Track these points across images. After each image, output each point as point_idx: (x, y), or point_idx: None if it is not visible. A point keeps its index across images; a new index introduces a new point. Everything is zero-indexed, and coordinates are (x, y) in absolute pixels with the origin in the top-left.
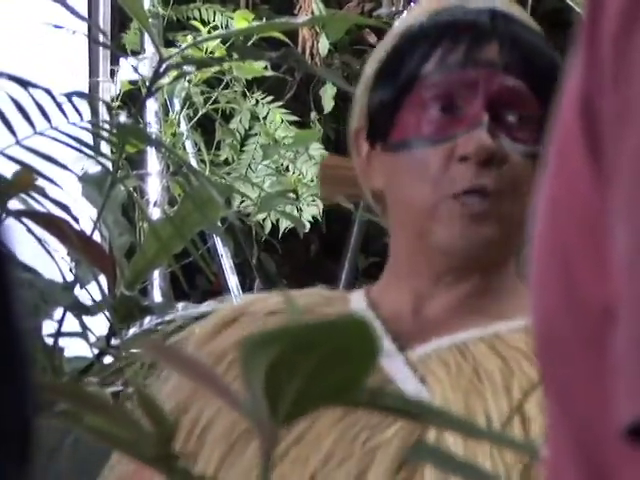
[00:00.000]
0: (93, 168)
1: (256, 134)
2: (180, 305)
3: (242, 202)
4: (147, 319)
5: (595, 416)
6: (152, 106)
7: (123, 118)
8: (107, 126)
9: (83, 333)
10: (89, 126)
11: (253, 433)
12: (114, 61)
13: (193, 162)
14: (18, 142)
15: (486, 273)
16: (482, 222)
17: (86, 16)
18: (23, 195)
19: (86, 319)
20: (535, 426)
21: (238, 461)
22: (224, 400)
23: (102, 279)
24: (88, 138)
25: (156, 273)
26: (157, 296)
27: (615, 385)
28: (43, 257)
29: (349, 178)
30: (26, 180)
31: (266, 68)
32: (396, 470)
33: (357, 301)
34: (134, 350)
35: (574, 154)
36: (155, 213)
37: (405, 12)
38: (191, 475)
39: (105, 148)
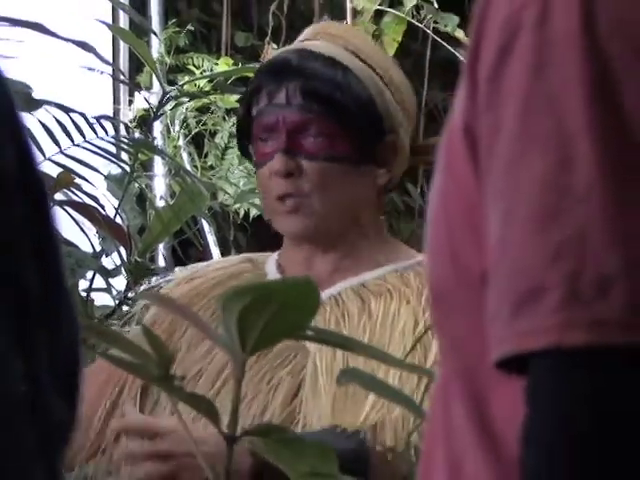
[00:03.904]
0: (115, 170)
1: (233, 147)
2: (177, 269)
3: (225, 196)
4: (154, 278)
5: (476, 352)
6: (158, 127)
7: (137, 135)
8: (126, 140)
9: (108, 289)
10: (113, 140)
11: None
12: (131, 94)
13: (188, 167)
14: (61, 151)
15: (346, 243)
16: (296, 215)
17: (111, 61)
18: (65, 190)
19: (109, 279)
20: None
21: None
22: (208, 336)
23: (122, 250)
24: (112, 149)
25: (161, 246)
26: (161, 262)
27: (488, 330)
28: (79, 234)
29: None
30: (67, 179)
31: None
32: (289, 401)
33: (270, 265)
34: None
35: (459, 160)
36: (160, 203)
37: None
38: (184, 391)
39: (124, 156)
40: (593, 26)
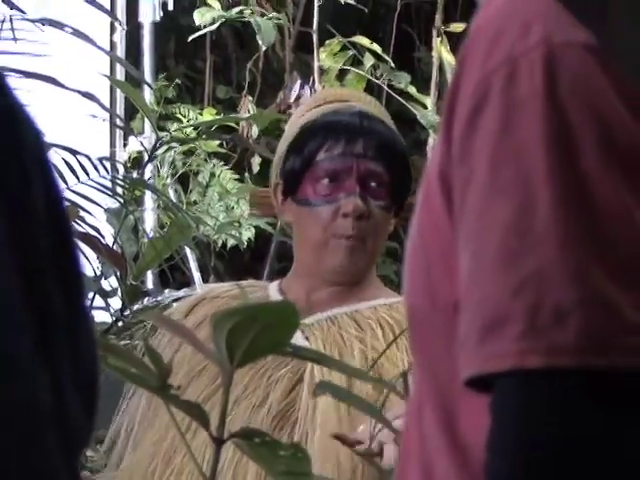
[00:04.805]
0: (114, 205)
1: (214, 185)
2: (166, 290)
3: (206, 227)
4: (145, 299)
5: (447, 371)
6: (149, 167)
7: (133, 175)
8: (122, 179)
9: (106, 307)
10: (112, 178)
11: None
12: (125, 138)
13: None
14: (68, 188)
15: (356, 279)
16: (355, 254)
17: (109, 108)
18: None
19: (108, 299)
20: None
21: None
22: (200, 351)
23: (118, 274)
24: (111, 186)
25: (150, 270)
26: (150, 284)
27: (458, 353)
28: (82, 260)
29: (270, 203)
30: (72, 212)
31: (221, 145)
32: (286, 394)
33: (273, 289)
34: (138, 318)
35: (436, 205)
36: (151, 233)
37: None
38: (180, 399)
39: (121, 192)
40: (555, 88)
